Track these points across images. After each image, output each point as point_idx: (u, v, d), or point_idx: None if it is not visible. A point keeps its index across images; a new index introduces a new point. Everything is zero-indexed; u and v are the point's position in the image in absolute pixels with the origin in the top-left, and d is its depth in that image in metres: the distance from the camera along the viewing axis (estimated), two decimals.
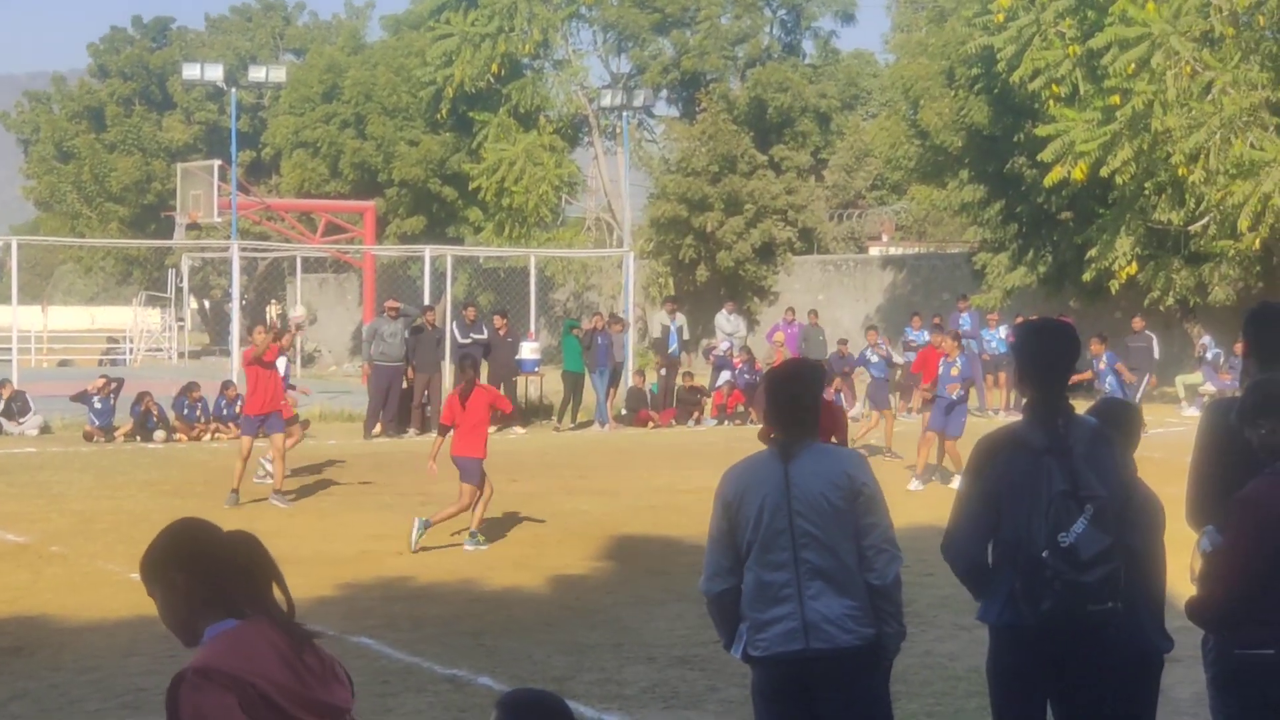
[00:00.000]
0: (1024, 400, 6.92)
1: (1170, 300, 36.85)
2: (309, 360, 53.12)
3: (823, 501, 6.43)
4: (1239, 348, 6.94)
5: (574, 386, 31.82)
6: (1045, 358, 6.82)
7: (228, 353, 38.14)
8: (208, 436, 28.59)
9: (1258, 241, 32.73)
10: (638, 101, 49.21)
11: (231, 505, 19.35)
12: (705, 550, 6.72)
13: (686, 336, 37.02)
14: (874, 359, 29.03)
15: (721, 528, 6.63)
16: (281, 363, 21.70)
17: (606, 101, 49.67)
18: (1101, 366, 28.85)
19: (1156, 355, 32.88)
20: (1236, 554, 6.30)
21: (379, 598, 14.03)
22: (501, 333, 31.01)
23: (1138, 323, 33.46)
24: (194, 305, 74.06)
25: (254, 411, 20.00)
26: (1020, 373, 6.97)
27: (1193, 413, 31.51)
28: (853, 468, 6.56)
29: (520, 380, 32.31)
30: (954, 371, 21.96)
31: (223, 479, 21.18)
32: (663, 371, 34.29)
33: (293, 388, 25.32)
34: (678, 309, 37.04)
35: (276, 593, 4.29)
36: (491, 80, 56.04)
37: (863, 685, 6.49)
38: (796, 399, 6.73)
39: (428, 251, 35.70)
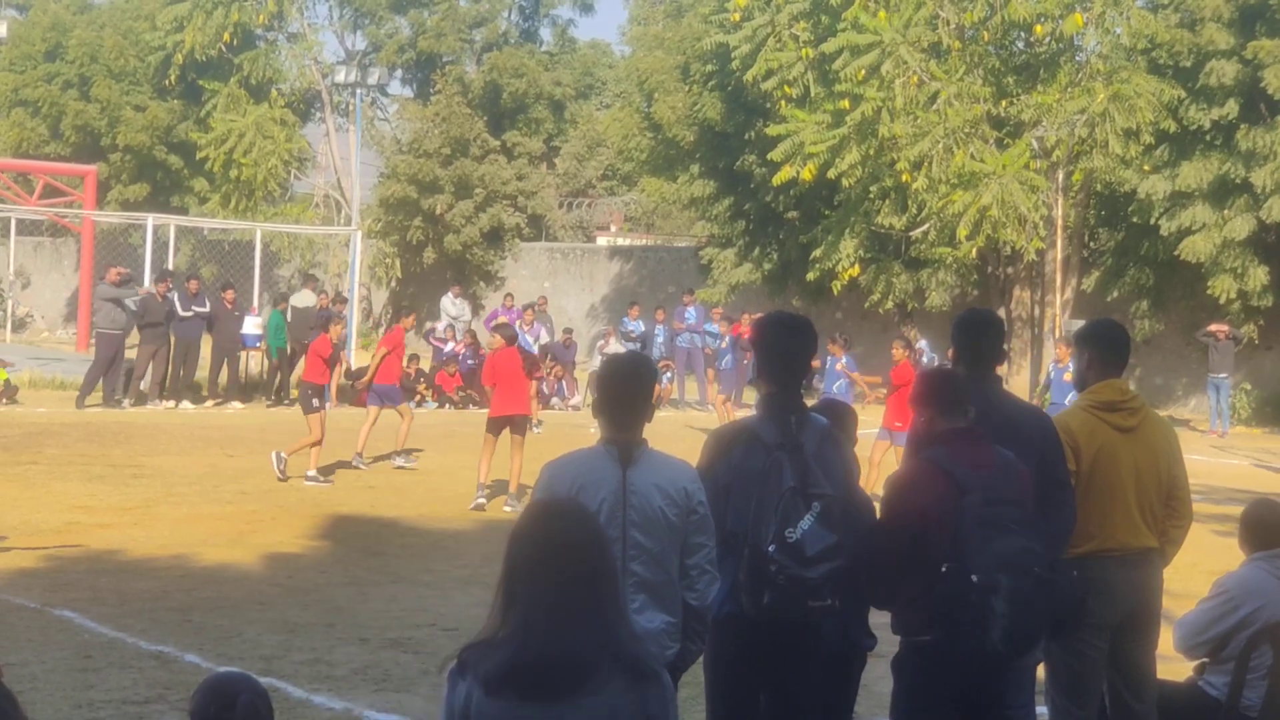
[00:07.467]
0: (759, 394, 6.99)
1: (890, 304, 37.64)
2: (20, 325, 51.54)
3: (659, 515, 6.19)
4: (951, 352, 7.18)
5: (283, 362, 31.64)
6: (784, 352, 6.89)
7: None
8: None
9: (974, 250, 33.58)
10: (372, 79, 48.60)
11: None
12: None
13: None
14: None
15: None
16: None
17: (340, 78, 48.83)
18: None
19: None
20: (881, 528, 6.69)
21: (85, 570, 13.66)
22: (229, 306, 30.46)
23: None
24: None
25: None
26: (758, 367, 7.01)
27: None
28: (691, 483, 6.30)
29: (243, 355, 31.82)
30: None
31: None
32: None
33: None
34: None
35: None
36: (223, 49, 54.93)
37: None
38: (634, 397, 6.43)
39: (151, 220, 34.93)
